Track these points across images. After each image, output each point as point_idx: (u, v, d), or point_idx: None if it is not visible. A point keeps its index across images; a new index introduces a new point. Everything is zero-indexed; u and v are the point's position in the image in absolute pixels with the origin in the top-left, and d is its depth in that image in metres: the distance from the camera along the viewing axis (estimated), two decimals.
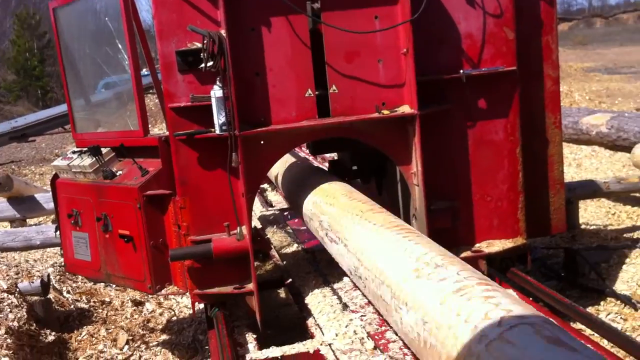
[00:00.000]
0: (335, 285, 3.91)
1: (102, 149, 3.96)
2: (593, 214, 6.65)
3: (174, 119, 3.42)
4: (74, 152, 4.21)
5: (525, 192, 3.71)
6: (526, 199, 3.72)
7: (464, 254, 3.58)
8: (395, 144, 3.58)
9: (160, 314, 5.13)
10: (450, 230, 3.62)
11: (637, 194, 6.65)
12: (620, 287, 4.64)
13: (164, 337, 4.77)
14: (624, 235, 5.84)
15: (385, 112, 3.48)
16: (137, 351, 4.54)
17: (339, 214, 3.42)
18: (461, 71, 3.53)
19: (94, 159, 3.94)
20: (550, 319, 1.99)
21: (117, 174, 3.87)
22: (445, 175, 3.66)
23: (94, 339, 4.69)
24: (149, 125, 3.85)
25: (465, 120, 3.64)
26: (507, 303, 1.97)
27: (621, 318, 4.29)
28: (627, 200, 6.74)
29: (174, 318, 5.06)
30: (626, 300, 4.39)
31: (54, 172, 4.36)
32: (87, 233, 4.07)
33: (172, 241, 3.63)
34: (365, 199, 3.47)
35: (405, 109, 3.50)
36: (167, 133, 3.55)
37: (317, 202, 3.76)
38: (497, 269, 3.72)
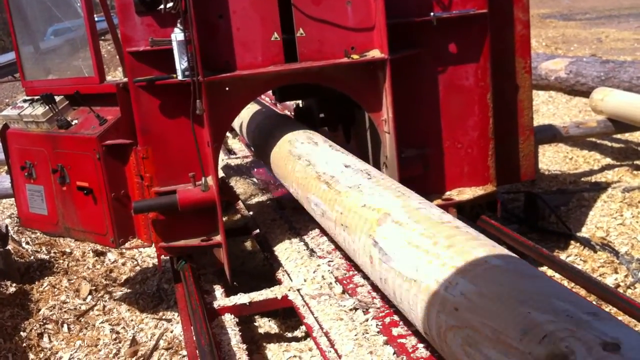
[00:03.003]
0: (302, 232, 3.90)
1: (55, 97, 3.75)
2: (551, 158, 6.75)
3: (132, 64, 3.25)
4: (24, 101, 3.99)
5: (495, 139, 3.69)
6: (496, 146, 3.71)
7: (435, 202, 3.57)
8: (365, 90, 3.50)
9: (123, 264, 5.06)
10: (421, 178, 3.59)
11: (594, 139, 6.77)
12: (579, 229, 4.75)
13: (128, 286, 4.71)
14: (582, 179, 5.97)
15: (355, 56, 3.38)
16: (100, 301, 4.47)
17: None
18: (432, 14, 3.44)
19: (47, 107, 3.73)
20: None
21: (73, 123, 3.68)
22: (416, 122, 3.61)
23: (56, 289, 4.59)
24: None
25: (435, 65, 3.57)
26: None
27: (581, 260, 4.39)
28: (584, 145, 6.86)
29: (137, 268, 4.99)
30: (585, 242, 4.49)
31: (3, 123, 4.13)
32: (43, 186, 3.90)
33: (135, 193, 3.51)
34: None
35: (376, 53, 3.40)
36: (125, 79, 3.38)
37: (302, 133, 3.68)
38: (467, 216, 3.73)
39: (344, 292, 3.09)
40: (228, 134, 7.04)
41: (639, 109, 5.61)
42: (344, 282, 3.16)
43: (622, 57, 10.67)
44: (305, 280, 3.27)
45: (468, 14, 3.49)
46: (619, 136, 6.73)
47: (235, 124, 5.53)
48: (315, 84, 3.57)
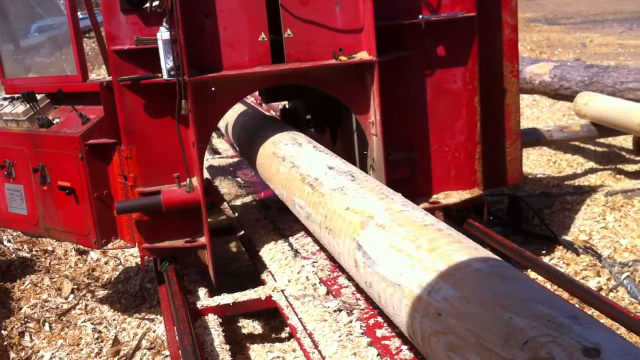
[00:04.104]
0: (286, 233, 3.89)
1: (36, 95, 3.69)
2: (535, 162, 6.79)
3: (117, 63, 3.21)
4: (4, 99, 3.92)
5: (482, 143, 3.69)
6: (483, 150, 3.70)
7: (421, 206, 3.55)
8: (352, 92, 3.48)
9: (106, 263, 5.01)
10: (408, 181, 3.58)
11: (578, 143, 6.82)
12: (562, 232, 4.77)
13: (110, 285, 4.66)
14: (565, 182, 6.00)
15: (343, 58, 3.36)
16: (82, 300, 4.42)
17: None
18: (420, 16, 3.44)
19: (28, 105, 3.67)
20: None
21: (54, 122, 3.62)
22: (403, 125, 3.60)
23: (37, 288, 4.53)
24: None
25: (423, 67, 3.56)
26: None
27: (564, 263, 4.41)
28: (567, 148, 6.91)
29: (120, 267, 4.94)
30: (569, 245, 4.51)
31: None
32: (22, 185, 3.84)
33: (118, 193, 3.47)
34: None
35: (364, 55, 3.39)
36: (109, 78, 3.34)
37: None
38: (454, 219, 3.72)
39: (328, 293, 3.08)
40: (213, 133, 6.99)
41: (622, 114, 5.67)
42: (328, 283, 3.15)
43: (605, 62, 10.79)
44: (289, 281, 3.27)
45: (456, 17, 3.48)
46: (602, 140, 6.80)
47: (221, 124, 5.49)
48: (303, 85, 3.55)
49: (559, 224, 4.95)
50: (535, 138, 6.09)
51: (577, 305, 3.27)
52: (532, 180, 6.14)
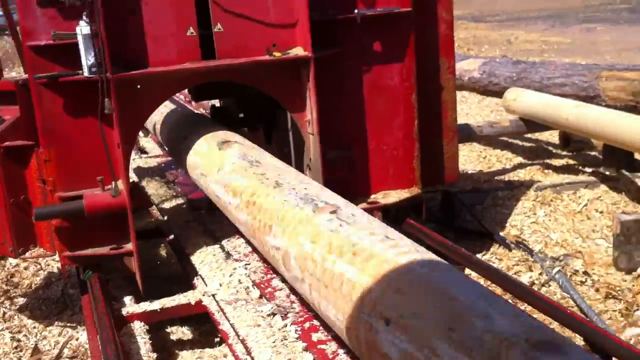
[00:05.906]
0: (217, 234, 3.79)
1: None
2: (465, 157, 6.88)
3: (33, 59, 3.03)
4: None
5: (420, 140, 3.66)
6: (420, 147, 3.68)
7: (360, 206, 3.49)
8: (287, 89, 3.39)
9: (25, 269, 4.77)
10: (345, 180, 3.52)
11: (506, 138, 6.96)
12: (495, 228, 4.83)
13: (30, 292, 4.45)
14: (496, 177, 6.11)
15: (277, 54, 3.26)
16: (0, 308, 4.20)
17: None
18: (356, 11, 3.38)
19: None
20: None
21: None
22: (341, 123, 3.53)
23: None
24: (5, 70, 3.39)
25: (360, 64, 3.50)
26: None
27: (497, 258, 4.47)
28: (497, 144, 7.05)
29: (41, 272, 4.72)
30: (501, 241, 4.57)
31: None
32: None
33: (37, 198, 3.29)
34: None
35: (299, 51, 3.30)
36: (25, 76, 3.16)
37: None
38: (392, 220, 3.68)
39: (261, 296, 3.01)
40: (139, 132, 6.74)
41: (550, 109, 5.81)
42: (262, 285, 3.08)
43: (530, 58, 11.12)
44: (220, 285, 3.18)
45: (392, 12, 3.44)
46: (529, 136, 6.97)
47: (148, 122, 5.29)
48: (235, 82, 3.43)
49: (491, 219, 5.02)
50: (466, 134, 6.17)
51: (510, 301, 3.30)
52: (464, 176, 6.21)
